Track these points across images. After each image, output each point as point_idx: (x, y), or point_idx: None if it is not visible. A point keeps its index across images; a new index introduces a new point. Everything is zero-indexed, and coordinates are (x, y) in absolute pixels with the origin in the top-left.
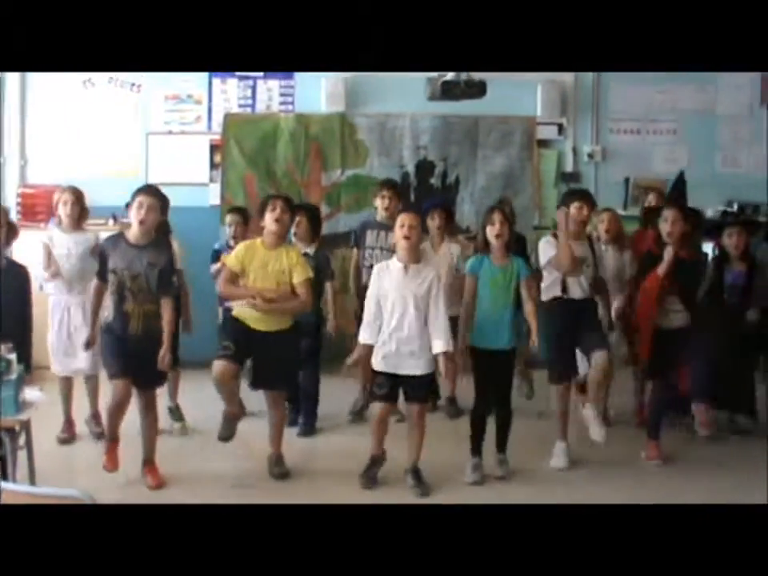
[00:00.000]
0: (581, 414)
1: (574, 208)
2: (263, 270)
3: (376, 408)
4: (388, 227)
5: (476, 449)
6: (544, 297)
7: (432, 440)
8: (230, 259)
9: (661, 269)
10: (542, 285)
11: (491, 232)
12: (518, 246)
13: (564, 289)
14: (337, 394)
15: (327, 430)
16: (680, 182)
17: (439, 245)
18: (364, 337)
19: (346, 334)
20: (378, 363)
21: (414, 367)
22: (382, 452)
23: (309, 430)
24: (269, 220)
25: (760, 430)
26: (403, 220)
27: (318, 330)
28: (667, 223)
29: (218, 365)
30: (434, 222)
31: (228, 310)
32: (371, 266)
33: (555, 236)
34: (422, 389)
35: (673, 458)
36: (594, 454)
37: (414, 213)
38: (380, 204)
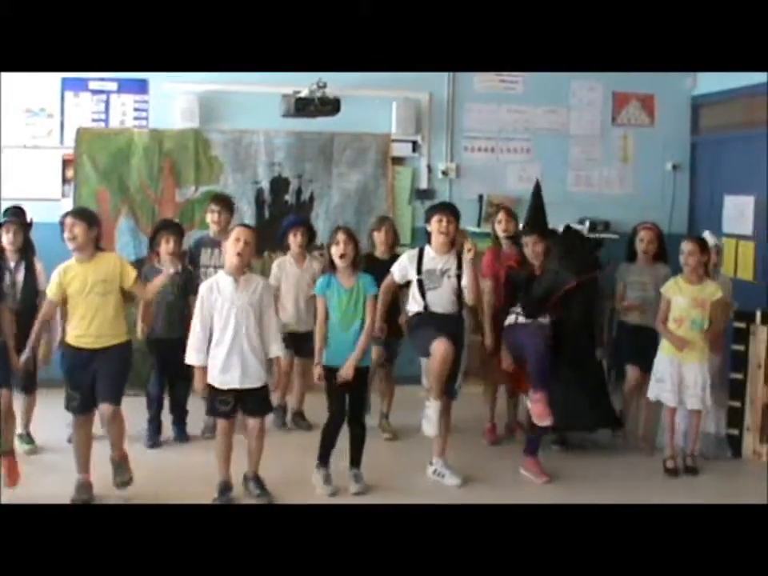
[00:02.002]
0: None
1: (434, 221)
2: (84, 286)
3: (221, 425)
4: (221, 244)
5: (324, 459)
6: (410, 312)
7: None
8: (51, 291)
9: None
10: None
11: (335, 252)
12: None
13: (425, 304)
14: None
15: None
16: (537, 193)
17: (302, 261)
18: (196, 358)
19: None
20: (217, 380)
21: (254, 380)
22: (229, 477)
23: (183, 436)
24: (67, 238)
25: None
26: (239, 234)
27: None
28: (528, 248)
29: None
30: (296, 239)
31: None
32: None
33: (422, 250)
34: (262, 401)
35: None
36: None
37: (249, 228)
38: (210, 219)
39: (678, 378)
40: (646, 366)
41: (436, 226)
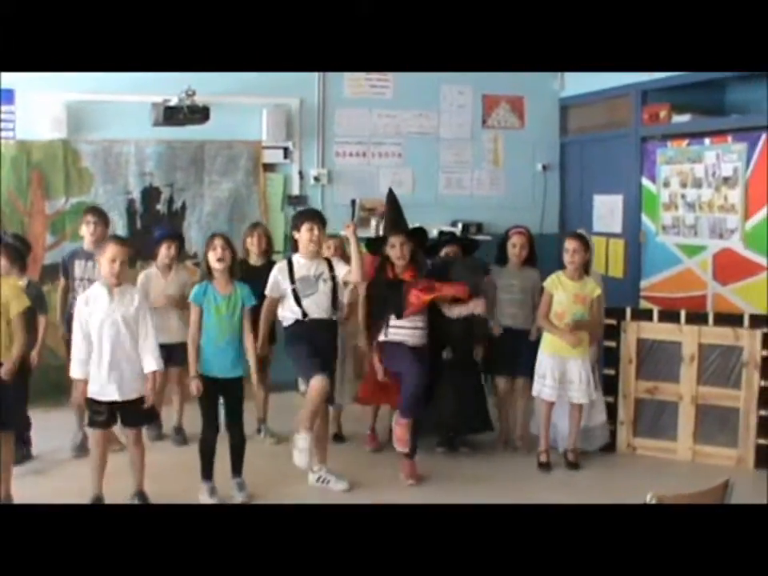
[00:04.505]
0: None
1: (305, 229)
2: None
3: (96, 436)
4: (95, 257)
5: (207, 474)
6: (286, 322)
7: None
8: None
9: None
10: (280, 308)
11: (213, 257)
12: None
13: (303, 312)
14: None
15: (48, 466)
16: (391, 199)
17: (168, 272)
18: (80, 371)
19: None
20: (94, 392)
21: (130, 391)
22: (101, 492)
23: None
24: None
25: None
26: (114, 254)
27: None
28: (395, 248)
29: None
30: (168, 251)
31: None
32: None
33: (290, 260)
34: (139, 413)
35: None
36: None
37: (123, 245)
38: (86, 231)
39: (559, 374)
40: (519, 369)
41: (307, 234)
